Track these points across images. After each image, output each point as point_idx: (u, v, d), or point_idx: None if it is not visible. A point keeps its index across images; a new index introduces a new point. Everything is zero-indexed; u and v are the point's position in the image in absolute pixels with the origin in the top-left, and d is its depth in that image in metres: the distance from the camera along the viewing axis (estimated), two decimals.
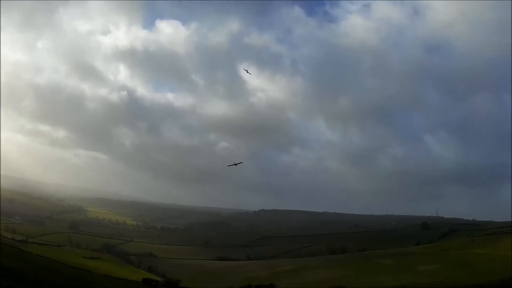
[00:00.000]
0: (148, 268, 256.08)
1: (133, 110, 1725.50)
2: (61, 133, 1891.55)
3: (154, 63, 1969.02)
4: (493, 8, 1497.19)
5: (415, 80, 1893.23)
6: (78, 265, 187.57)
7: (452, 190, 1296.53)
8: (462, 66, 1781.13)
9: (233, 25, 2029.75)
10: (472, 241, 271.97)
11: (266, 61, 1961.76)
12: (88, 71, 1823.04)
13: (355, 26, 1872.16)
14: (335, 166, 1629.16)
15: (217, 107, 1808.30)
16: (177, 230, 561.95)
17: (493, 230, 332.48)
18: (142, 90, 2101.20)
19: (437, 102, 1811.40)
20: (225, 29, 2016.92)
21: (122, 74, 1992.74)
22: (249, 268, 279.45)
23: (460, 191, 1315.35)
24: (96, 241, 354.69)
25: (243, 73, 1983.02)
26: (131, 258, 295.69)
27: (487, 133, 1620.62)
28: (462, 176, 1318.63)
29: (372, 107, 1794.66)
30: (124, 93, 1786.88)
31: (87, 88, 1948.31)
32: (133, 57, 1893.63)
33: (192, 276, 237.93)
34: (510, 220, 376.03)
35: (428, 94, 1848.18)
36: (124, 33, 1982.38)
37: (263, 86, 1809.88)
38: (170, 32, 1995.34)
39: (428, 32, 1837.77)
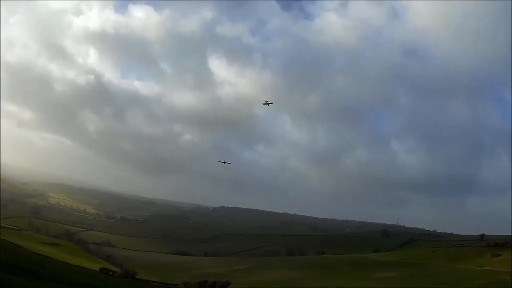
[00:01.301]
0: (106, 258, 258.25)
1: (99, 95, 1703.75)
2: (27, 114, 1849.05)
3: (123, 48, 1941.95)
4: (474, 17, 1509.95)
5: (387, 83, 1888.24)
6: (37, 250, 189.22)
7: (415, 198, 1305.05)
8: (437, 73, 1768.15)
9: (206, 13, 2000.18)
10: (433, 252, 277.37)
11: (237, 53, 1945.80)
12: (57, 52, 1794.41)
13: (331, 24, 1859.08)
14: (299, 166, 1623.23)
15: (184, 98, 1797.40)
16: (136, 222, 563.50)
17: (454, 243, 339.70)
18: (110, 75, 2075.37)
19: (408, 107, 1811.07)
20: (198, 17, 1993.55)
21: (91, 57, 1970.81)
22: (206, 264, 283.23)
23: (423, 200, 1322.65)
24: (56, 228, 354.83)
25: (212, 64, 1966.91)
26: (90, 246, 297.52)
27: (456, 142, 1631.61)
28: (426, 185, 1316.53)
29: (341, 107, 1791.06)
30: (91, 77, 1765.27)
31: (55, 69, 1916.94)
32: (103, 40, 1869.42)
33: (149, 268, 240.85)
34: (470, 234, 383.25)
35: (400, 99, 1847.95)
36: (96, 15, 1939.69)
37: (231, 79, 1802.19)
38: (142, 17, 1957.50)
39: (406, 35, 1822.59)
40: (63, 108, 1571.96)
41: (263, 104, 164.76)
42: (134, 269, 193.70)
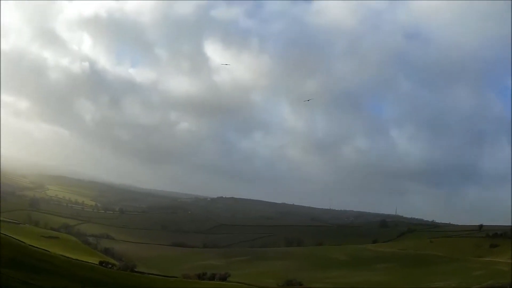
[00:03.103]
0: (104, 250, 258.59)
1: (94, 83, 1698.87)
2: (24, 104, 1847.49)
3: (117, 33, 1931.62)
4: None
5: (388, 67, 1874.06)
6: (36, 244, 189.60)
7: (414, 188, 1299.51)
8: (439, 57, 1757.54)
9: None
10: (431, 242, 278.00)
11: (233, 37, 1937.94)
12: (51, 38, 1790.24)
13: (330, 5, 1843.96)
14: (297, 155, 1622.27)
15: (180, 84, 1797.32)
16: (135, 213, 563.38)
17: (453, 233, 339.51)
18: (104, 62, 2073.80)
19: (409, 93, 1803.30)
20: (192, 0, 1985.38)
21: (85, 43, 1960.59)
22: (205, 255, 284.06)
23: (422, 189, 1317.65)
24: (55, 221, 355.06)
25: (207, 49, 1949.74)
26: (89, 239, 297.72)
27: (458, 130, 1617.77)
28: (426, 175, 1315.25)
29: (340, 93, 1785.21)
30: (86, 64, 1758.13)
31: (49, 56, 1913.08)
32: (97, 26, 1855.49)
33: (149, 261, 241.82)
34: (469, 224, 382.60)
35: (401, 84, 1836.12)
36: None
37: (227, 65, 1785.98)
38: (136, 1, 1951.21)
39: (409, 17, 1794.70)
40: (58, 97, 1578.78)
41: (305, 101, 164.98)
42: (133, 262, 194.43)
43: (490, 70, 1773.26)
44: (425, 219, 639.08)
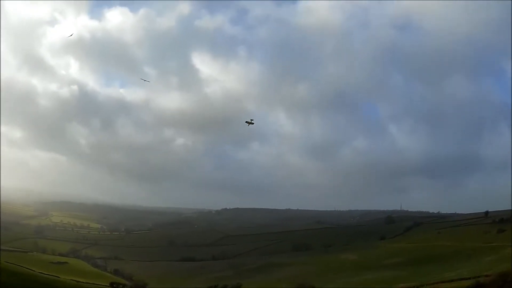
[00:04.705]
0: (114, 271, 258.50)
1: (85, 106, 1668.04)
2: (17, 134, 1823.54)
3: (103, 54, 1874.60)
4: None
5: (380, 63, 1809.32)
6: (45, 271, 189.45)
7: (417, 182, 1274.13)
8: (432, 47, 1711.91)
9: (183, 7, 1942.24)
10: (439, 233, 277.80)
11: (220, 47, 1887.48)
12: (37, 65, 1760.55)
13: (316, 4, 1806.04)
14: (296, 161, 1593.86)
15: (171, 100, 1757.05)
16: (141, 232, 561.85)
17: (459, 222, 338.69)
18: (93, 84, 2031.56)
19: (404, 88, 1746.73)
20: (174, 13, 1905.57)
21: (72, 67, 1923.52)
22: (214, 268, 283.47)
23: (425, 182, 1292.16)
24: (62, 246, 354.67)
25: (195, 61, 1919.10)
26: (97, 261, 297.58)
27: (458, 120, 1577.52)
28: (428, 168, 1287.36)
29: (334, 95, 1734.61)
30: (75, 87, 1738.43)
31: (38, 83, 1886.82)
32: (82, 48, 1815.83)
33: (159, 278, 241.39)
34: (475, 212, 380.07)
35: (395, 79, 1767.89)
36: (71, 23, 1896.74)
37: (217, 76, 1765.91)
38: (118, 20, 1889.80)
39: (397, 9, 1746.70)
40: (51, 123, 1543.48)
41: (246, 122, 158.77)
42: (144, 280, 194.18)
43: (485, 54, 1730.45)
44: (431, 211, 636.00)
